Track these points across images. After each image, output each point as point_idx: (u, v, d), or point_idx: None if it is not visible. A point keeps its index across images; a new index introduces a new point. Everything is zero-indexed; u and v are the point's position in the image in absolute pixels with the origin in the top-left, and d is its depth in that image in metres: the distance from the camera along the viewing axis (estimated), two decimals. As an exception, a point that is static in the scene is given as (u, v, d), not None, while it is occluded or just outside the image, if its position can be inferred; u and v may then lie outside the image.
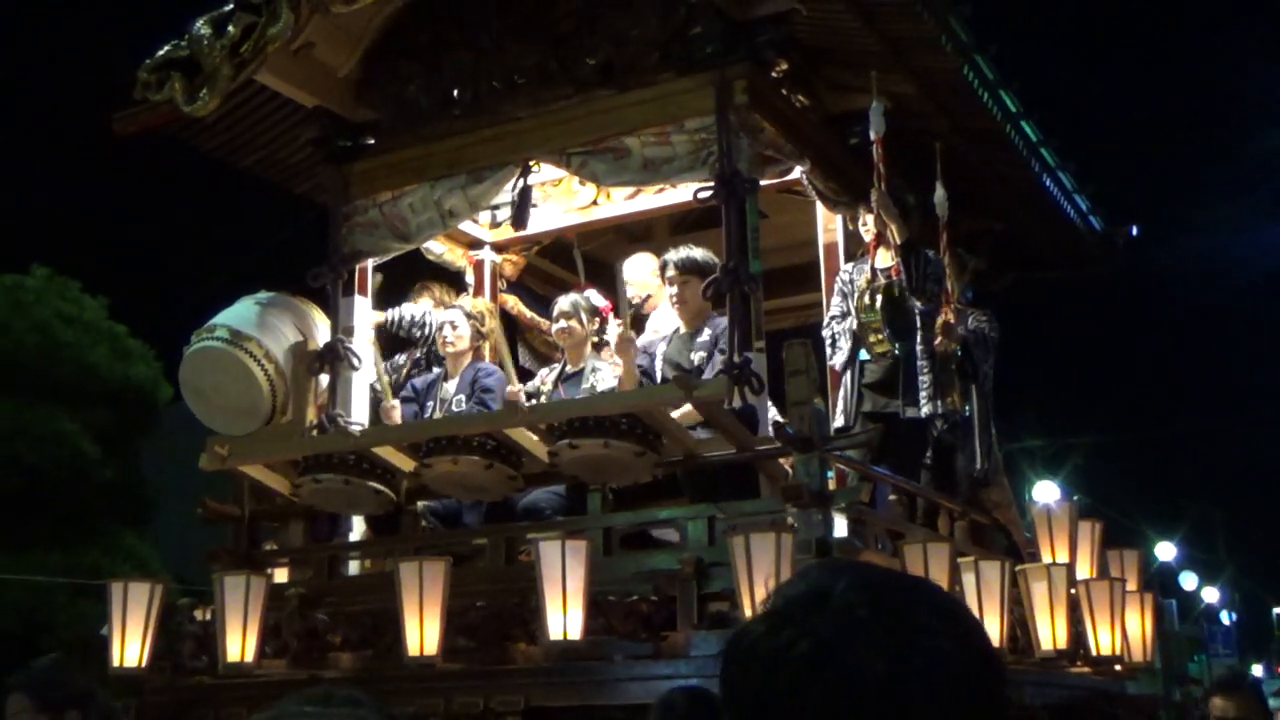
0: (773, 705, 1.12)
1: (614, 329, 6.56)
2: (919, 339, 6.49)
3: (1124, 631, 6.34)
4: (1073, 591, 6.06)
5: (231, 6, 6.37)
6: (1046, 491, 18.65)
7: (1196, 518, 24.53)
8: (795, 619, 1.14)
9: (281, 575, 6.57)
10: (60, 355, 15.52)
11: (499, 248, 7.90)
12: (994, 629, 5.42)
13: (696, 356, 6.26)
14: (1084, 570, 6.56)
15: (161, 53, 6.46)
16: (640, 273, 7.05)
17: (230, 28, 6.32)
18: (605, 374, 6.66)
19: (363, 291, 6.90)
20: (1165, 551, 24.65)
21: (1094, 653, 6.08)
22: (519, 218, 6.76)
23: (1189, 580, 25.81)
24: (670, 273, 6.45)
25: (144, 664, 5.87)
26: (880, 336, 6.50)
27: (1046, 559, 6.32)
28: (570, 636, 5.09)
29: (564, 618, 5.09)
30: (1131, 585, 6.76)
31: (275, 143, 7.27)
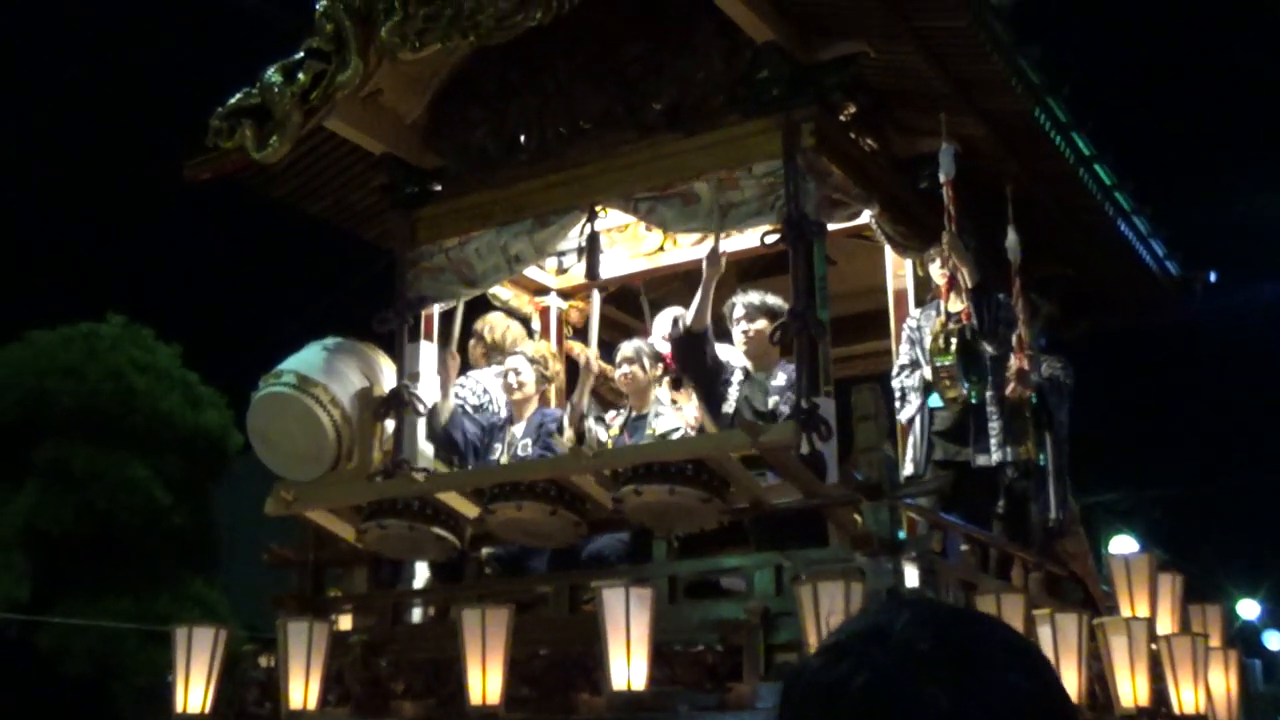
0: None
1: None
2: (990, 385, 6.37)
3: (1208, 690, 6.13)
4: (1153, 647, 5.88)
5: (302, 54, 6.45)
6: (1123, 546, 18.26)
7: (1281, 574, 23.84)
8: (854, 651, 1.07)
9: (345, 622, 6.55)
10: (134, 402, 15.71)
11: (565, 294, 7.89)
12: (1071, 684, 5.25)
13: (771, 401, 6.19)
14: (1165, 625, 6.36)
15: (233, 100, 6.55)
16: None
17: (300, 75, 6.40)
18: (669, 419, 6.60)
19: (429, 337, 6.91)
20: (1249, 609, 23.98)
21: (1177, 711, 5.88)
22: (591, 268, 6.74)
23: (1274, 640, 25.06)
24: (739, 313, 6.39)
25: (207, 710, 5.84)
26: (952, 382, 6.39)
27: (1126, 612, 6.14)
28: (634, 686, 5.00)
29: (628, 667, 5.00)
30: (1215, 641, 6.55)
31: (343, 189, 7.33)
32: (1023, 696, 1.04)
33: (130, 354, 16.15)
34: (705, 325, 6.39)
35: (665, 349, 7.01)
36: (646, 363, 6.77)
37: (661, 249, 7.47)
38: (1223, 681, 6.45)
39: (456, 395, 7.03)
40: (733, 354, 6.73)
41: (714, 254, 6.37)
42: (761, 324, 6.31)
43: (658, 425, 6.58)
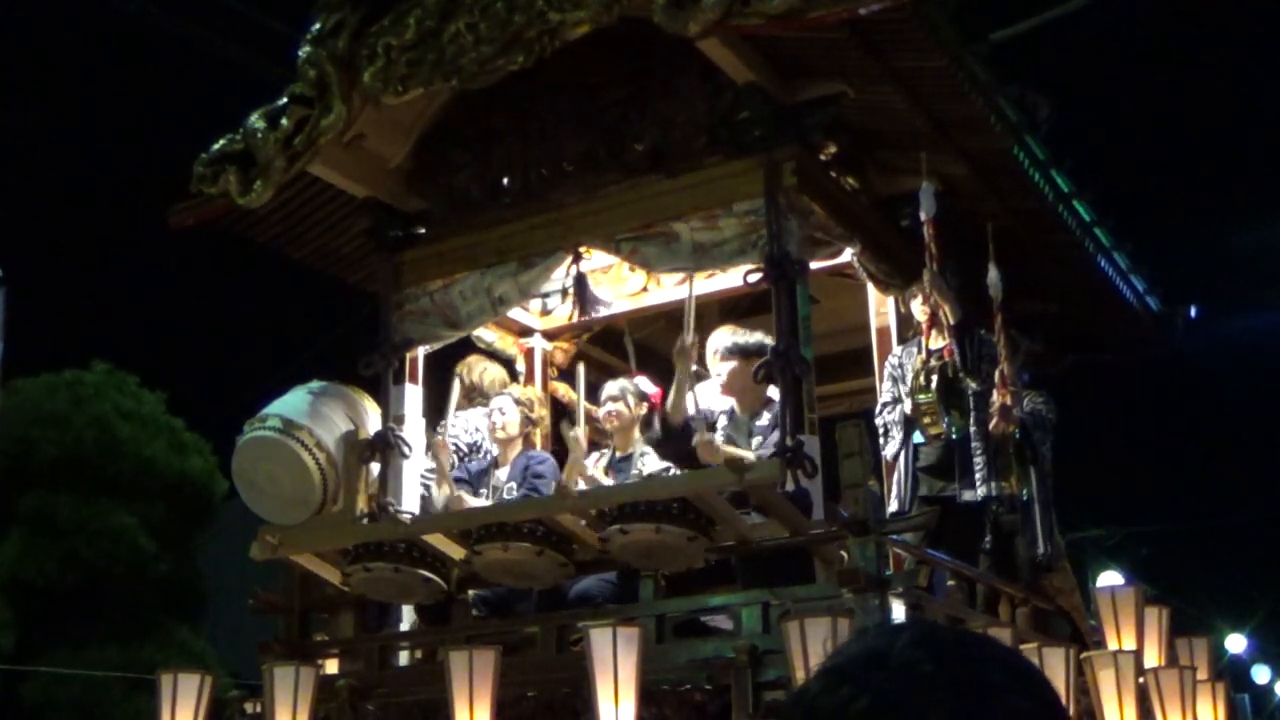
0: None
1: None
2: (974, 421, 6.40)
3: (1196, 723, 6.12)
4: (1141, 680, 5.87)
5: (285, 100, 6.49)
6: (1110, 581, 18.25)
7: (1269, 608, 23.82)
8: (853, 676, 1.06)
9: (332, 666, 6.51)
10: (119, 450, 15.63)
11: (550, 335, 7.90)
12: (1060, 718, 5.23)
13: (755, 441, 6.21)
14: (1152, 658, 6.35)
15: (217, 146, 6.58)
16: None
17: (284, 120, 6.43)
18: (654, 458, 6.60)
19: (414, 380, 6.91)
20: (1236, 644, 23.97)
21: (1166, 744, 5.87)
22: (582, 304, 6.77)
23: (1262, 674, 25.03)
24: (712, 357, 6.42)
25: (192, 757, 5.80)
26: (934, 419, 6.41)
27: (1112, 646, 6.13)
28: (622, 727, 4.98)
29: (616, 708, 4.98)
30: (1202, 674, 6.54)
31: (328, 233, 7.34)
32: (1026, 718, 1.04)
33: (115, 401, 16.07)
34: (683, 416, 6.37)
35: (651, 389, 7.02)
36: (631, 401, 6.78)
37: (645, 289, 7.50)
38: (1211, 715, 6.44)
39: (449, 435, 7.05)
40: (715, 396, 6.76)
41: (683, 346, 6.33)
42: (733, 364, 6.33)
43: (644, 465, 6.58)
